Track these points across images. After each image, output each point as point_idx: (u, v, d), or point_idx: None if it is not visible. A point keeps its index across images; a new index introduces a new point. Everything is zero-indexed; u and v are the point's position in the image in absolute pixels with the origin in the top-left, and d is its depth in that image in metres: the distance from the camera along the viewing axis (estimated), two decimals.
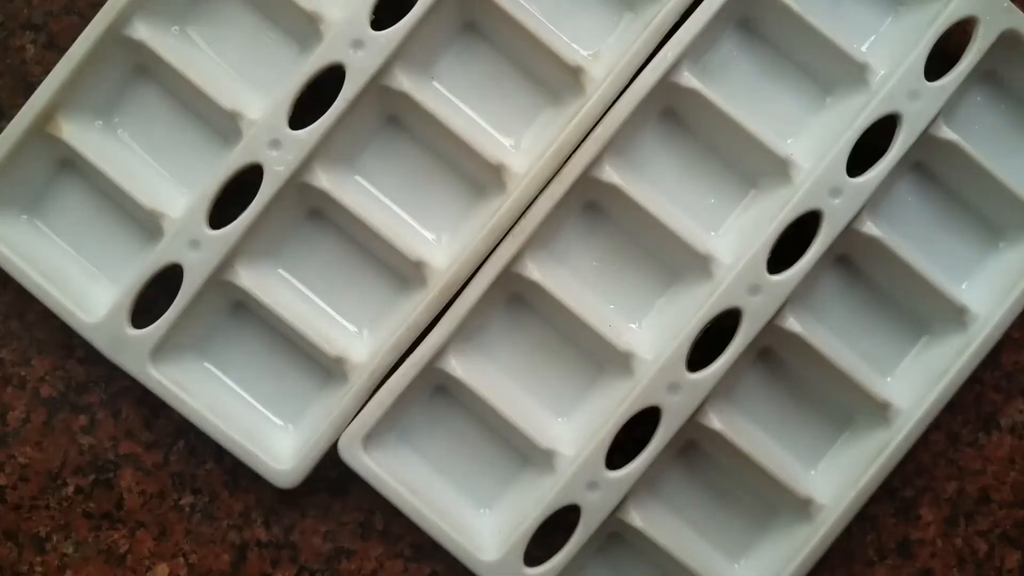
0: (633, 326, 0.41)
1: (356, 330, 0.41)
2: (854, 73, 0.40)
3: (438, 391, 0.41)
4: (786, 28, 0.40)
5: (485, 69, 0.41)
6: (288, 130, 0.39)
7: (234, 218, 0.39)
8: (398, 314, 0.40)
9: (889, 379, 0.41)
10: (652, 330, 0.41)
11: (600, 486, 0.39)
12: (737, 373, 0.40)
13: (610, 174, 0.40)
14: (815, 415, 0.41)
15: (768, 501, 0.41)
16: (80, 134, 0.40)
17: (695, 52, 0.40)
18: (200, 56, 0.41)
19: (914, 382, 0.41)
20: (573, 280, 0.41)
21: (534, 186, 0.39)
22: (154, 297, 0.40)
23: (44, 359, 0.42)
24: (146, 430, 0.42)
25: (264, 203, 0.39)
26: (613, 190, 0.40)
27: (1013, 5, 0.40)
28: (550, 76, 0.41)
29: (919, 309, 0.41)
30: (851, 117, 0.40)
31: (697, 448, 0.41)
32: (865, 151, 0.39)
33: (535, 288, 0.40)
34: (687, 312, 0.40)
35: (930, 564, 0.42)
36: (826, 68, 0.41)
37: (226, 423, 0.40)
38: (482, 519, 0.41)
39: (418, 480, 0.40)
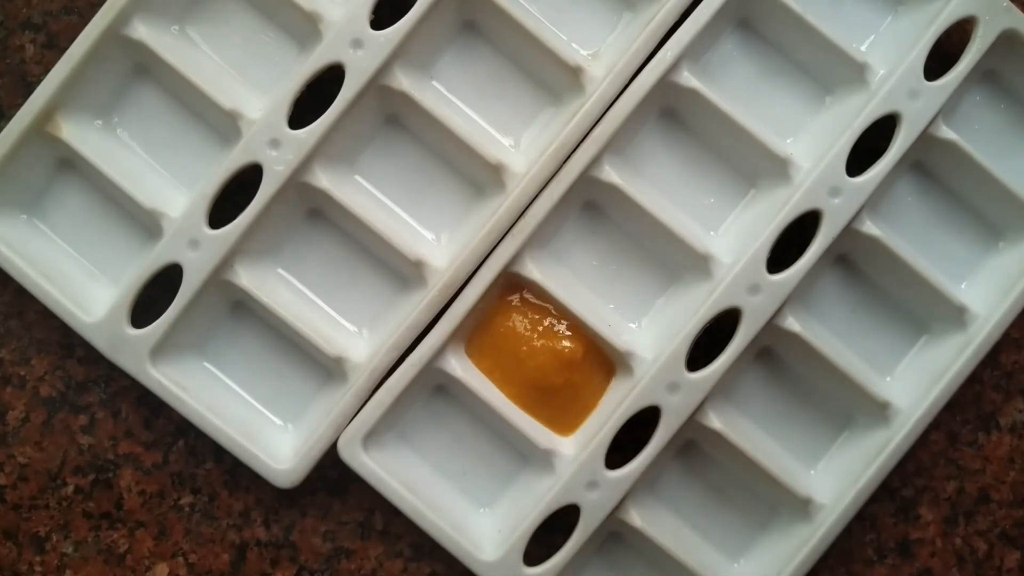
0: (633, 326, 0.41)
1: (356, 330, 0.41)
2: (854, 73, 0.40)
3: (438, 391, 0.41)
4: (786, 28, 0.40)
5: (485, 69, 0.41)
6: (288, 130, 0.39)
7: (234, 218, 0.39)
8: (398, 314, 0.40)
9: (889, 379, 0.41)
10: (652, 330, 0.41)
11: (600, 486, 0.39)
12: (737, 373, 0.40)
13: (609, 174, 0.40)
14: (815, 415, 0.41)
15: (768, 501, 0.41)
16: (80, 134, 0.40)
17: (695, 52, 0.40)
18: (200, 56, 0.41)
19: (914, 382, 0.41)
20: (572, 280, 0.41)
21: (533, 186, 0.39)
22: (154, 297, 0.40)
23: (44, 359, 0.42)
24: (146, 430, 0.42)
25: (264, 203, 0.39)
26: (612, 190, 0.40)
27: (1013, 5, 0.40)
28: (549, 76, 0.41)
29: (919, 309, 0.41)
30: (851, 117, 0.40)
31: (697, 448, 0.41)
32: (865, 151, 0.39)
33: (534, 288, 0.40)
34: (687, 312, 0.40)
35: (929, 564, 0.42)
36: (826, 68, 0.41)
37: (226, 423, 0.40)
38: (482, 519, 0.41)
39: (418, 480, 0.40)
